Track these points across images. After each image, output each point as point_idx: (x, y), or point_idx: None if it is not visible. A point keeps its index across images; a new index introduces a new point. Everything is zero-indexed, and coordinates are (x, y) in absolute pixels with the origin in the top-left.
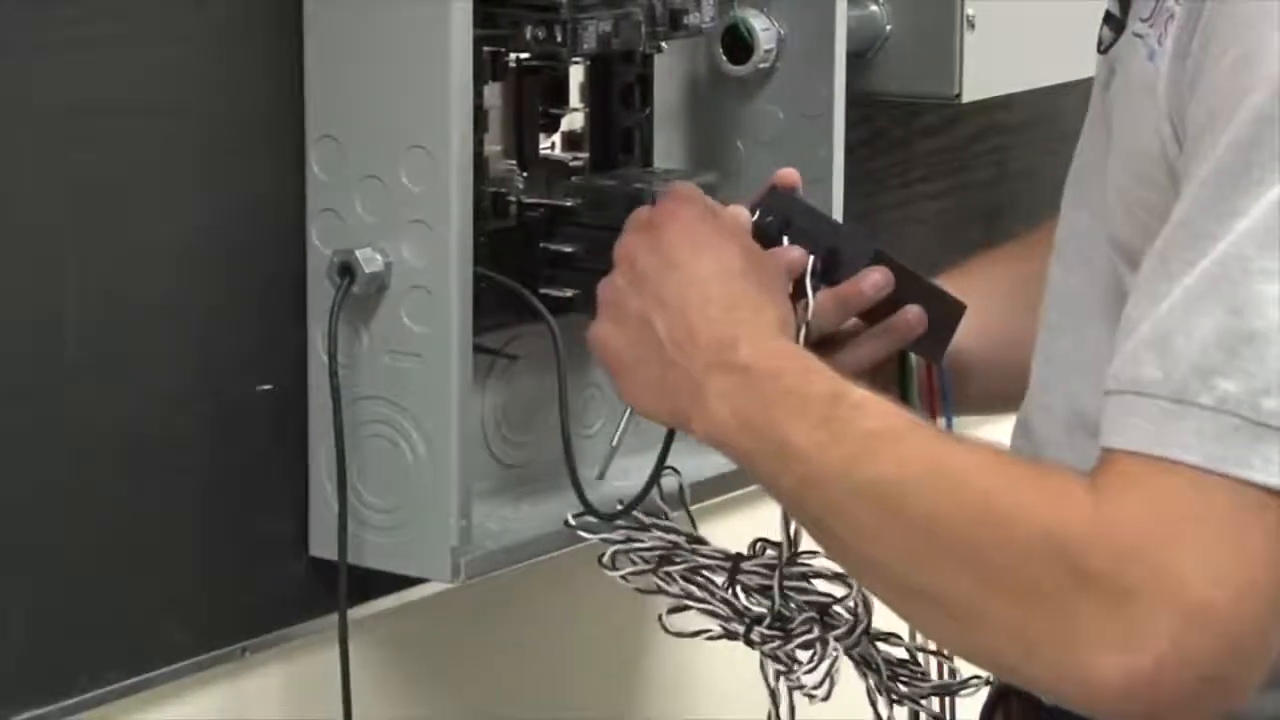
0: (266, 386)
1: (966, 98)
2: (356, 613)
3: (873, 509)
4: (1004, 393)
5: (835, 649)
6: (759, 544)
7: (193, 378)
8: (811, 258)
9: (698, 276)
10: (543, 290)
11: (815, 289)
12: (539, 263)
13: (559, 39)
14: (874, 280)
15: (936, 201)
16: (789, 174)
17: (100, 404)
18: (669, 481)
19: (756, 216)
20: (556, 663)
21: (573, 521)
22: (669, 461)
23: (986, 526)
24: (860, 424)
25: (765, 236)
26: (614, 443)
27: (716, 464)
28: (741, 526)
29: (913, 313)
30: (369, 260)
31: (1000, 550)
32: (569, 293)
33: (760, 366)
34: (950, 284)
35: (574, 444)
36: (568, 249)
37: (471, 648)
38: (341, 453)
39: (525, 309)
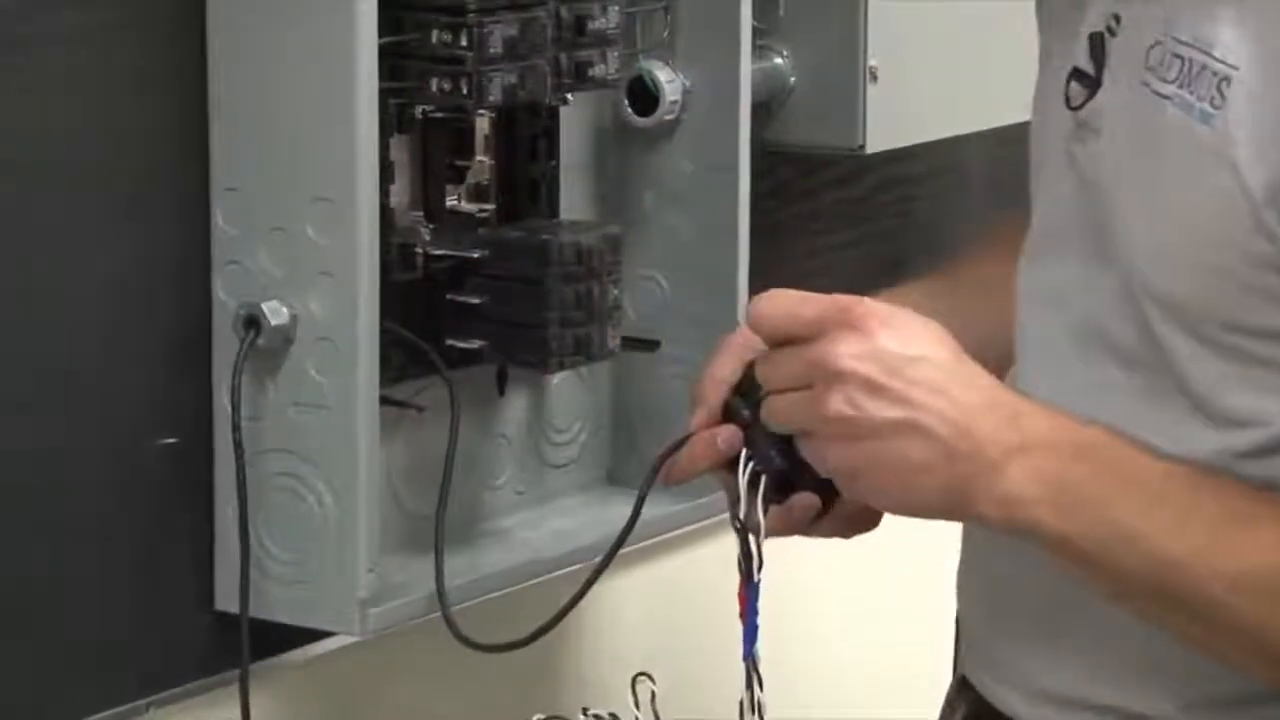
0: (170, 439)
1: (870, 149)
2: (261, 666)
3: (1261, 600)
4: None
5: None
6: None
7: (95, 430)
8: (764, 477)
9: (940, 361)
10: (449, 342)
11: (765, 508)
12: (446, 314)
13: (465, 91)
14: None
15: (842, 252)
16: None
17: (1, 457)
18: (642, 690)
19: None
20: (464, 718)
21: None
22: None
23: None
24: (1206, 508)
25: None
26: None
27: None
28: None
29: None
30: (274, 313)
31: None
32: (476, 344)
33: (1058, 440)
34: (935, 292)
35: (479, 496)
36: (475, 300)
37: (378, 702)
38: (244, 505)
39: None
